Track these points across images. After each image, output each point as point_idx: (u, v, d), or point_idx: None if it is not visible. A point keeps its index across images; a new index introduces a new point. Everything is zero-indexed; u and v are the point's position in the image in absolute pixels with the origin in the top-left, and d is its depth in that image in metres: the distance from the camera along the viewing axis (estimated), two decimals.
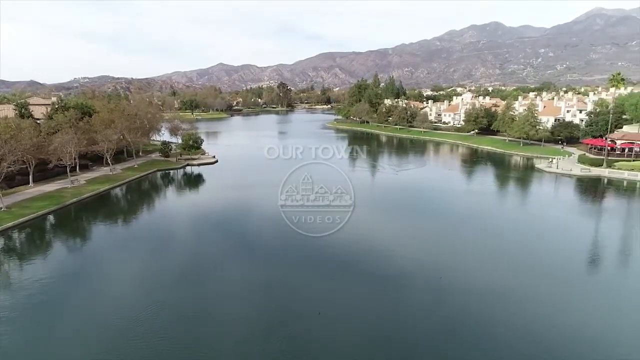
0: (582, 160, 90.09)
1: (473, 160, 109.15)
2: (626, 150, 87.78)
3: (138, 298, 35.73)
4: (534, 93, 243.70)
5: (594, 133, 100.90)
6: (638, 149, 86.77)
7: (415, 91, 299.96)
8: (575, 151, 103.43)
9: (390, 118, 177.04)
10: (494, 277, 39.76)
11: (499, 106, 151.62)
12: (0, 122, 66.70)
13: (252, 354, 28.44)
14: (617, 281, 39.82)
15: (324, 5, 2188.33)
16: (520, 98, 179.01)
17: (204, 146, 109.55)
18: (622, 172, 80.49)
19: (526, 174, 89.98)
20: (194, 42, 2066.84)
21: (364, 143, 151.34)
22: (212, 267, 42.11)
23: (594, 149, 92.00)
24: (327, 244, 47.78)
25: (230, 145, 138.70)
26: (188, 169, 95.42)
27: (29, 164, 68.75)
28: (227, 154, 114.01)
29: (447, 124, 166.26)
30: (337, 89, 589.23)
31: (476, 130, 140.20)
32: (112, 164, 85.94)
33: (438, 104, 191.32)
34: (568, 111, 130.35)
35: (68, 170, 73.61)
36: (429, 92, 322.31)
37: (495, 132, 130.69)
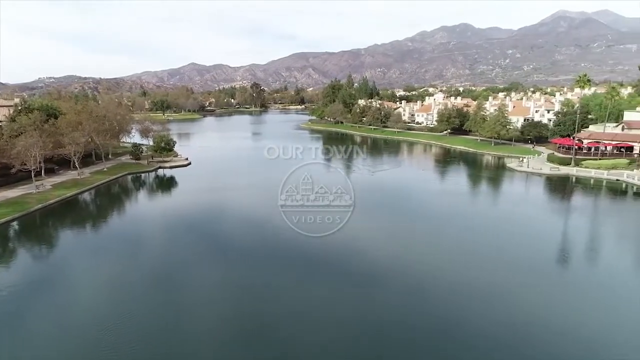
0: (551, 159, 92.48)
1: (447, 160, 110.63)
2: (592, 149, 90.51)
3: (110, 307, 34.28)
4: (503, 93, 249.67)
5: (561, 132, 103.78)
6: (604, 148, 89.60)
7: (388, 91, 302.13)
8: (545, 150, 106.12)
9: (365, 118, 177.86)
10: (472, 274, 40.08)
11: (470, 106, 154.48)
12: None
13: None
14: (587, 276, 40.93)
15: (296, 6, 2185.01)
16: (490, 98, 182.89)
17: (176, 148, 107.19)
18: (589, 171, 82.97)
19: (498, 173, 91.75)
20: (164, 42, 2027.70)
21: (338, 143, 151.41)
22: (187, 272, 40.97)
23: (562, 148, 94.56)
24: (307, 245, 47.50)
25: (204, 147, 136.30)
26: (160, 171, 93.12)
27: None
28: (201, 156, 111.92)
29: (420, 124, 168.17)
30: (310, 89, 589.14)
31: (449, 130, 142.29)
32: (80, 167, 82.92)
33: (411, 104, 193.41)
34: (537, 111, 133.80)
35: (33, 175, 70.43)
36: (402, 92, 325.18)
37: (467, 132, 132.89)
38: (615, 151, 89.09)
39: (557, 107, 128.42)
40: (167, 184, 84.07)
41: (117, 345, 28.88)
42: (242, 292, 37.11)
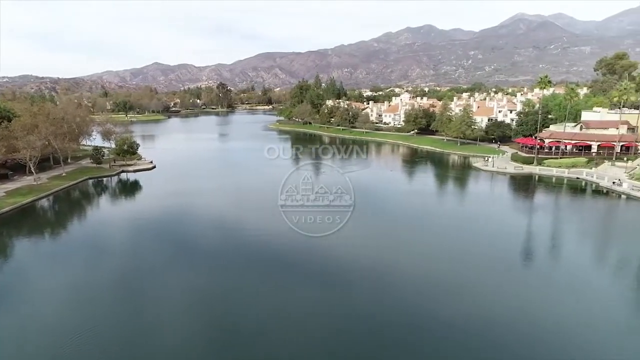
0: (515, 158, 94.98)
1: (414, 160, 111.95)
2: (553, 148, 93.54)
3: (71, 322, 32.49)
4: (467, 94, 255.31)
5: (524, 132, 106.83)
6: (564, 147, 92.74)
7: (356, 92, 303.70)
8: (509, 149, 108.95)
9: (333, 119, 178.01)
10: (441, 272, 41.06)
11: (435, 107, 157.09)
12: None
13: None
14: (550, 271, 42.22)
15: (262, 5, 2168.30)
16: (455, 99, 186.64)
17: (140, 151, 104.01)
18: (550, 170, 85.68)
19: (465, 172, 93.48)
20: (126, 40, 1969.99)
21: (307, 144, 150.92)
22: (153, 279, 39.72)
23: (525, 147, 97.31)
24: (263, 247, 46.95)
25: (169, 149, 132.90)
26: (123, 175, 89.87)
27: None
28: (166, 159, 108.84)
29: (387, 124, 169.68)
30: (278, 89, 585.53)
31: (416, 130, 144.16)
32: (37, 172, 78.92)
33: (379, 104, 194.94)
34: (500, 111, 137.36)
35: None
36: (369, 93, 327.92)
37: (434, 132, 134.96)
38: (574, 150, 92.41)
39: (519, 107, 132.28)
40: (131, 189, 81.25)
41: None
42: (212, 297, 36.18)
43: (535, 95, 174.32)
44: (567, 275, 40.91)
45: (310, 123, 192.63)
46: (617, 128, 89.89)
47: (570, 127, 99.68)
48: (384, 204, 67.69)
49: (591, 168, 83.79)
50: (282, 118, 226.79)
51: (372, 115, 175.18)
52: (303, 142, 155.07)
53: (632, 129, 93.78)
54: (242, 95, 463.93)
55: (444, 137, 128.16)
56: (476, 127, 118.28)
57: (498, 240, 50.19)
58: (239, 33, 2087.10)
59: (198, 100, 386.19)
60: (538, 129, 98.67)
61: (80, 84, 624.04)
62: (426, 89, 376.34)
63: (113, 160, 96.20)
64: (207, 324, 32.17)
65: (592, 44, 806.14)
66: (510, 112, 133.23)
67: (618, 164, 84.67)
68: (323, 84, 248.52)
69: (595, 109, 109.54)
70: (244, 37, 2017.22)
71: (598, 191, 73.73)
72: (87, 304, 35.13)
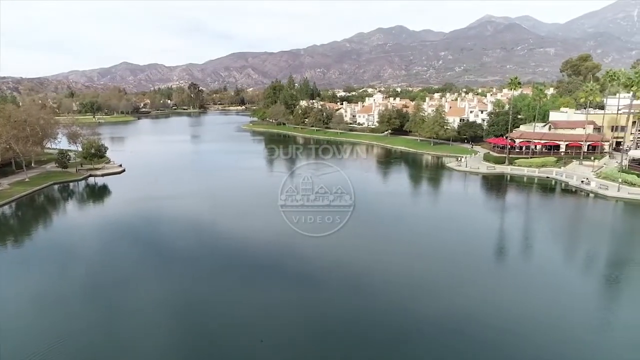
0: (487, 158, 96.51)
1: (389, 160, 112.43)
2: (523, 148, 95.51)
3: (39, 332, 30.98)
4: (438, 94, 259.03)
5: (495, 132, 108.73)
6: (534, 147, 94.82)
7: (329, 92, 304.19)
8: (481, 149, 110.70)
9: (307, 120, 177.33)
10: (416, 271, 41.89)
11: (408, 107, 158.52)
12: None
13: None
14: (521, 269, 43.60)
15: (234, 5, 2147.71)
16: (427, 99, 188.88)
17: (108, 154, 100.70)
18: (522, 169, 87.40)
19: (439, 173, 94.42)
20: (93, 39, 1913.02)
21: (281, 145, 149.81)
22: (125, 288, 38.28)
23: (497, 147, 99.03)
24: (244, 250, 46.04)
25: (139, 152, 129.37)
26: (91, 180, 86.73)
27: None
28: (136, 162, 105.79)
29: (361, 124, 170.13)
30: (250, 89, 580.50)
31: (389, 131, 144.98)
32: None
33: (352, 105, 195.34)
34: (471, 112, 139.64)
35: None
36: (342, 93, 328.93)
37: (407, 133, 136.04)
38: (544, 150, 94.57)
39: (489, 108, 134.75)
40: (99, 194, 78.49)
41: None
42: (190, 303, 35.14)
43: (504, 95, 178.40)
44: (540, 272, 42.24)
45: (284, 124, 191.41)
46: (584, 128, 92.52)
47: (539, 127, 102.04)
48: (360, 205, 67.36)
49: (560, 167, 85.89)
50: (255, 119, 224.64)
51: (346, 115, 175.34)
52: (277, 144, 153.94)
53: (597, 128, 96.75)
54: (214, 95, 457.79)
55: (417, 138, 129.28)
56: (449, 127, 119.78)
57: (473, 240, 50.96)
58: (211, 32, 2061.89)
59: (169, 101, 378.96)
60: (509, 129, 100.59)
61: (44, 84, 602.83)
62: (399, 89, 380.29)
63: (80, 164, 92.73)
64: (187, 331, 31.16)
65: (557, 45, 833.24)
66: (482, 113, 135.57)
67: (585, 163, 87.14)
68: (297, 84, 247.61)
69: (562, 109, 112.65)
70: (215, 37, 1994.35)
71: (567, 190, 75.53)
72: (54, 315, 33.57)
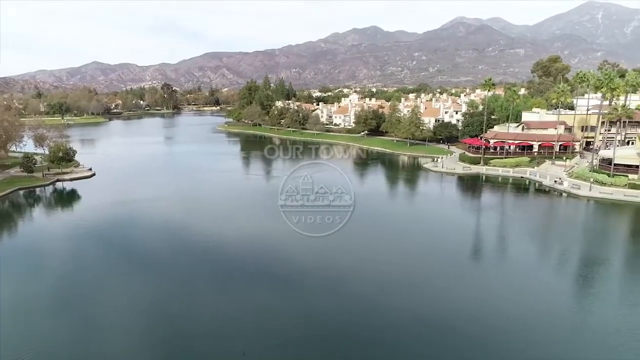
0: (462, 158, 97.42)
1: (366, 161, 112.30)
2: (498, 148, 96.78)
3: (6, 341, 29.55)
4: (413, 94, 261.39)
5: (470, 133, 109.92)
6: (508, 147, 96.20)
7: (305, 92, 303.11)
8: (456, 150, 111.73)
9: (283, 120, 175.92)
10: (395, 271, 42.71)
11: (384, 107, 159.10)
12: None
13: None
14: (499, 267, 45.27)
15: (207, 4, 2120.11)
16: (402, 99, 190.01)
17: (78, 157, 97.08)
18: (496, 169, 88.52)
19: (416, 174, 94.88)
20: (62, 38, 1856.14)
21: (257, 146, 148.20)
22: (94, 296, 37.25)
23: (472, 148, 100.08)
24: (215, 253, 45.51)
25: (110, 155, 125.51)
26: (58, 185, 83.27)
27: None
28: (107, 166, 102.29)
29: (338, 125, 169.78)
30: (225, 89, 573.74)
31: (366, 132, 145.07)
32: None
33: (329, 105, 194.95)
34: (446, 112, 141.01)
35: None
36: (318, 93, 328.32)
37: (383, 133, 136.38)
38: (517, 150, 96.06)
39: (464, 108, 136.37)
40: (67, 199, 75.71)
41: None
42: (166, 308, 34.18)
43: (478, 96, 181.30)
44: (515, 270, 43.72)
45: (260, 125, 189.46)
46: (556, 128, 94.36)
47: (512, 128, 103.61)
48: None
49: (533, 167, 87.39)
50: (230, 120, 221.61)
51: (322, 116, 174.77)
52: (253, 145, 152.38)
53: (568, 129, 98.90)
54: (188, 95, 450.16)
55: (393, 138, 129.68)
56: (424, 128, 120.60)
57: (450, 240, 52.04)
58: (184, 32, 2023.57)
59: (141, 102, 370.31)
60: (484, 130, 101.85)
61: (10, 84, 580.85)
62: (374, 90, 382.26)
63: (47, 169, 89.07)
64: (165, 345, 30.20)
65: (526, 46, 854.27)
66: (456, 113, 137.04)
67: (557, 162, 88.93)
68: (272, 85, 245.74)
69: (534, 109, 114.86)
70: (188, 37, 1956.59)
71: (541, 190, 76.78)
72: (20, 326, 32.10)
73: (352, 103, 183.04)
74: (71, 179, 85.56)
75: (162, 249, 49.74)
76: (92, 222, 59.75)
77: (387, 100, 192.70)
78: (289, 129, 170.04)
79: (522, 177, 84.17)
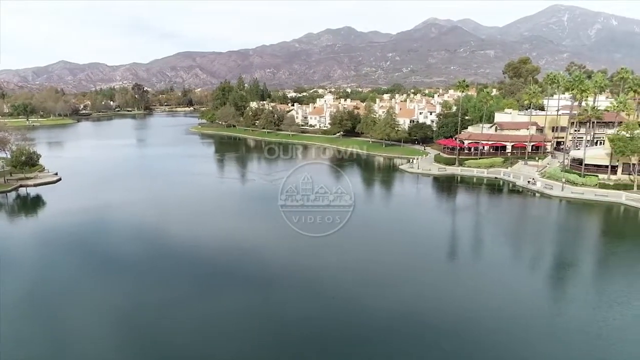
0: (437, 159, 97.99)
1: (343, 163, 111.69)
2: (472, 149, 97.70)
3: None
4: (387, 95, 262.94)
5: (445, 134, 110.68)
6: (482, 148, 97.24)
7: (280, 93, 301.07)
8: (432, 150, 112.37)
9: (258, 122, 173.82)
10: (374, 272, 43.37)
11: (359, 108, 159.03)
12: None
13: None
14: (475, 266, 46.08)
15: (178, 4, 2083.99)
16: (377, 100, 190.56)
17: (42, 161, 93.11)
18: (471, 170, 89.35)
19: (391, 175, 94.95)
20: (28, 36, 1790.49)
21: (231, 148, 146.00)
22: (58, 305, 36.20)
23: (447, 149, 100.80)
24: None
25: (78, 158, 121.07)
26: (22, 190, 79.42)
27: None
28: (75, 170, 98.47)
29: (313, 126, 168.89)
30: (199, 89, 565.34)
31: (342, 133, 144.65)
32: None
33: (304, 106, 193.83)
34: (420, 113, 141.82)
35: None
36: (293, 94, 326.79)
37: (359, 134, 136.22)
38: (491, 150, 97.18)
39: (438, 109, 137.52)
40: (32, 206, 72.46)
41: None
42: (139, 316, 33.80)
43: (451, 96, 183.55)
44: (490, 270, 44.54)
45: (234, 126, 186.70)
46: (528, 129, 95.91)
47: (486, 128, 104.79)
48: None
49: (507, 167, 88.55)
50: (204, 121, 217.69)
51: (297, 117, 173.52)
52: (227, 146, 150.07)
53: (540, 129, 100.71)
54: (160, 96, 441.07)
55: (369, 139, 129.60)
56: (400, 129, 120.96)
57: (427, 241, 53.05)
58: (155, 31, 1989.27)
59: (111, 102, 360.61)
60: (458, 130, 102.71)
61: None
62: (349, 90, 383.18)
63: (9, 174, 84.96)
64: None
65: (496, 48, 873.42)
66: (430, 114, 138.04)
67: (530, 162, 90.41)
68: (246, 85, 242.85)
69: (506, 110, 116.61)
70: (160, 36, 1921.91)
71: (515, 190, 77.73)
72: None
73: (328, 104, 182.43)
74: (35, 185, 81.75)
75: (134, 255, 48.35)
76: (58, 230, 57.33)
77: (362, 101, 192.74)
78: (263, 130, 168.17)
79: (496, 177, 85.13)
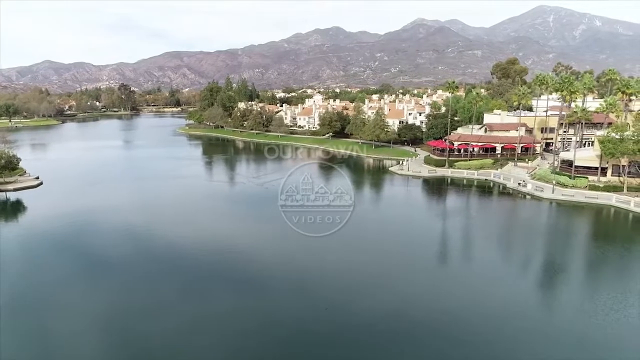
0: (428, 161, 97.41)
1: (332, 165, 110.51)
2: (462, 151, 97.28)
3: None
4: (376, 95, 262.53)
5: (435, 135, 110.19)
6: (472, 149, 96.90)
7: (268, 93, 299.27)
8: (422, 152, 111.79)
9: (246, 123, 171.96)
10: (373, 272, 44.00)
11: (348, 109, 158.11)
12: None
13: None
14: (466, 271, 45.90)
15: (167, 3, 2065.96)
16: (366, 101, 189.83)
17: (24, 164, 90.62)
18: (461, 172, 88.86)
19: (382, 177, 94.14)
20: (11, 35, 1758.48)
21: (219, 150, 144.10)
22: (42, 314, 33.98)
23: (437, 150, 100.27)
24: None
25: (62, 161, 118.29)
26: (1, 195, 76.91)
27: None
28: (56, 174, 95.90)
29: (302, 127, 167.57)
30: (187, 89, 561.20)
31: (331, 134, 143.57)
32: None
33: (292, 107, 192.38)
34: (410, 114, 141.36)
35: None
36: (282, 94, 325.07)
37: (348, 135, 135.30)
38: (481, 152, 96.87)
39: (427, 110, 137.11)
40: (12, 211, 70.05)
41: None
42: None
43: (439, 97, 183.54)
44: (482, 273, 44.35)
45: (222, 127, 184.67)
46: (517, 130, 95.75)
47: (476, 130, 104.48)
48: None
49: (497, 169, 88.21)
50: (192, 122, 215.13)
51: (286, 118, 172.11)
52: (215, 148, 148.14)
53: (529, 130, 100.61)
54: (147, 96, 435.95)
55: (358, 140, 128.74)
56: (389, 130, 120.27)
57: (419, 245, 52.94)
58: (142, 31, 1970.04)
59: (97, 103, 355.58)
60: (448, 132, 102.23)
61: None
62: (337, 90, 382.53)
63: None
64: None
65: (483, 48, 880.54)
66: (420, 115, 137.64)
67: (520, 164, 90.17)
68: (235, 84, 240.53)
69: (495, 111, 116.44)
70: (147, 35, 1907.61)
71: (506, 192, 77.32)
72: None
73: (316, 104, 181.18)
74: (15, 189, 79.21)
75: (120, 260, 46.87)
76: (41, 235, 55.73)
77: (351, 101, 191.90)
78: (252, 131, 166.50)
79: (486, 179, 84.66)
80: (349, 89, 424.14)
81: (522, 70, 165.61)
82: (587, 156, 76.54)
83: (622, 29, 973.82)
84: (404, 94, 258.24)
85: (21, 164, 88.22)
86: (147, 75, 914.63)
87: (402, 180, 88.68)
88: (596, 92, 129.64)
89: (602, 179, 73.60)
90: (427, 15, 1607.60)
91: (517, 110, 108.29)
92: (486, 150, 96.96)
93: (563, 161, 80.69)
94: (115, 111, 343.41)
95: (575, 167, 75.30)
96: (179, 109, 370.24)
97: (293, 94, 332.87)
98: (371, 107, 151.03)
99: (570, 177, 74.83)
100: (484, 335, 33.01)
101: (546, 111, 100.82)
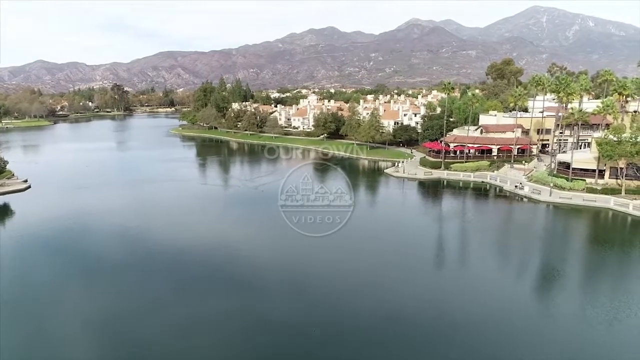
0: (423, 163, 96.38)
1: (327, 166, 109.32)
2: (458, 152, 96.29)
3: None
4: (371, 95, 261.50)
5: (430, 136, 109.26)
6: (467, 151, 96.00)
7: (263, 93, 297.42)
8: (417, 153, 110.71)
9: (240, 123, 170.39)
10: (369, 275, 44.01)
11: (343, 110, 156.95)
12: None
13: None
14: (463, 274, 45.53)
15: (161, 3, 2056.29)
16: (361, 101, 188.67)
17: (12, 167, 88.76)
18: (457, 174, 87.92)
19: (377, 179, 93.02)
20: (4, 35, 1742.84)
21: (213, 151, 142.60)
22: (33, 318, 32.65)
23: (433, 152, 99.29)
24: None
25: (52, 163, 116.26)
26: None
27: None
28: (46, 177, 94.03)
29: (297, 128, 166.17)
30: (181, 89, 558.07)
31: (325, 135, 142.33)
32: None
33: (287, 108, 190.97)
34: (405, 114, 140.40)
35: None
36: (276, 94, 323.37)
37: (343, 136, 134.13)
38: (477, 153, 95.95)
39: (422, 111, 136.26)
40: None
41: None
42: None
43: (434, 97, 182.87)
44: (478, 274, 44.44)
45: (216, 128, 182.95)
46: (514, 131, 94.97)
47: (471, 131, 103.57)
48: None
49: (493, 171, 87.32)
50: (185, 122, 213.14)
51: (280, 119, 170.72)
52: (209, 149, 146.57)
53: (525, 132, 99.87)
54: (141, 96, 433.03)
55: (353, 142, 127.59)
56: (384, 131, 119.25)
57: (416, 247, 52.52)
58: (136, 30, 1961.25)
59: (90, 103, 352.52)
60: (444, 133, 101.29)
61: None
62: (332, 90, 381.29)
63: None
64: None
65: (477, 48, 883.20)
66: (415, 116, 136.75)
67: (516, 166, 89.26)
68: (229, 85, 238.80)
69: (491, 112, 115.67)
70: (141, 35, 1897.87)
71: (503, 195, 76.43)
72: None
73: (311, 105, 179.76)
74: (2, 193, 77.31)
75: (116, 262, 45.62)
76: (30, 240, 54.28)
77: (346, 102, 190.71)
78: (246, 132, 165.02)
79: (482, 181, 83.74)
80: (343, 89, 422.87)
81: (518, 71, 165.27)
82: (585, 158, 75.79)
83: (615, 30, 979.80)
84: (398, 94, 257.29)
85: (9, 167, 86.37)
86: (141, 75, 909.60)
87: (398, 182, 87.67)
88: (592, 93, 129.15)
89: (600, 181, 72.89)
90: (422, 16, 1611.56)
91: (513, 111, 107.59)
92: (482, 152, 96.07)
93: (560, 163, 79.89)
94: (108, 111, 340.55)
95: (573, 169, 74.52)
96: (173, 109, 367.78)
97: (288, 94, 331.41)
98: (366, 107, 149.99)
99: (567, 179, 74.04)
100: (481, 336, 32.88)
101: (542, 112, 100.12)
